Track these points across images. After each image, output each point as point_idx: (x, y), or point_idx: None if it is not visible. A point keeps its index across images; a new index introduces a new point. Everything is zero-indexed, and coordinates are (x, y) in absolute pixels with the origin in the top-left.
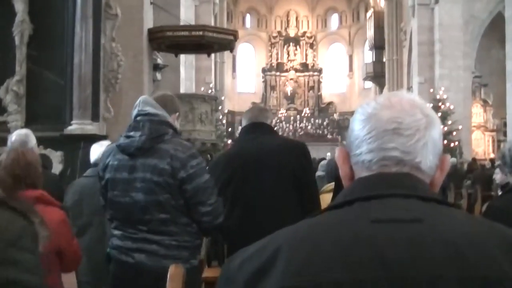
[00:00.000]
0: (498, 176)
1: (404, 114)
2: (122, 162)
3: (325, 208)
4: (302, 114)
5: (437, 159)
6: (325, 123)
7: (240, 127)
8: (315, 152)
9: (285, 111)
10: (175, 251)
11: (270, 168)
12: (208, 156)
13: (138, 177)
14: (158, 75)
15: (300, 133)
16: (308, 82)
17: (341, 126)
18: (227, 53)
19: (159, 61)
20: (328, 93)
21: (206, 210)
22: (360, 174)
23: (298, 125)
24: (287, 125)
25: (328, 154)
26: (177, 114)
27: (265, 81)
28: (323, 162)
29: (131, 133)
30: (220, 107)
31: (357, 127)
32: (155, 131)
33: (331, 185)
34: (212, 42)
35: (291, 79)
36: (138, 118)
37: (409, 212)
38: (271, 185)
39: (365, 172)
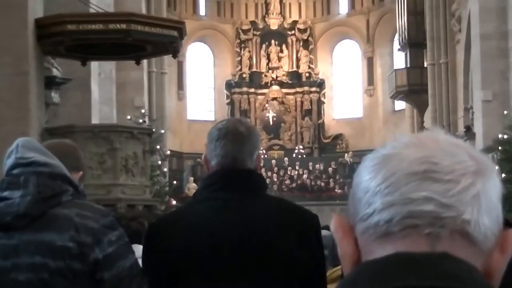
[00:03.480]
0: None
1: (442, 154)
2: None
3: None
4: (293, 155)
5: (496, 229)
6: (330, 169)
7: (194, 180)
8: None
9: (263, 150)
10: None
11: (258, 262)
12: (139, 225)
13: (21, 264)
14: (55, 96)
15: (290, 186)
16: (302, 103)
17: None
18: (169, 60)
19: (56, 73)
20: (334, 120)
21: None
22: (370, 251)
23: (286, 173)
24: (268, 173)
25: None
26: (81, 173)
27: (231, 103)
28: (325, 233)
29: (5, 193)
30: (158, 147)
31: (366, 176)
32: (46, 188)
33: (338, 269)
34: (143, 40)
35: (274, 98)
36: (16, 170)
37: None
38: None
39: (378, 246)
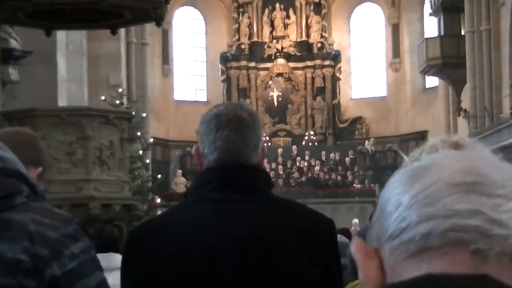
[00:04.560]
0: None
1: (489, 167)
2: None
3: None
4: (303, 143)
5: None
6: (347, 159)
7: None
8: (328, 216)
9: (267, 137)
10: None
11: (264, 279)
12: (116, 229)
13: None
14: (13, 73)
15: (299, 180)
16: (314, 80)
17: (379, 165)
18: (151, 28)
19: (15, 44)
20: (352, 100)
21: None
22: (399, 273)
23: (294, 164)
24: (272, 164)
25: (355, 220)
26: (41, 168)
27: (227, 80)
28: (343, 240)
29: None
30: (139, 134)
31: (398, 189)
32: None
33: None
34: (120, 5)
35: (279, 74)
36: None
37: None
38: None
39: (410, 265)
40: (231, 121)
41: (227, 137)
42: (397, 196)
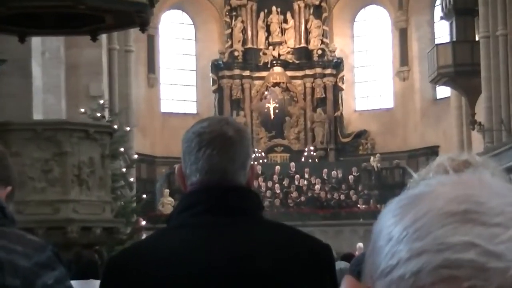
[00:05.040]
0: None
1: (488, 193)
2: None
3: None
4: (302, 159)
5: None
6: (350, 177)
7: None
8: (331, 240)
9: (262, 152)
10: None
11: None
12: (96, 254)
13: None
14: None
15: (298, 200)
16: (314, 90)
17: (386, 183)
18: (136, 34)
19: None
20: (356, 112)
21: None
22: None
23: (292, 183)
24: (269, 183)
25: (360, 244)
26: (10, 188)
27: (219, 90)
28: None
29: None
30: (122, 150)
31: (390, 221)
32: None
33: None
34: (101, 9)
35: (275, 84)
36: None
37: None
38: None
39: None
40: (215, 139)
41: (209, 157)
42: (388, 229)
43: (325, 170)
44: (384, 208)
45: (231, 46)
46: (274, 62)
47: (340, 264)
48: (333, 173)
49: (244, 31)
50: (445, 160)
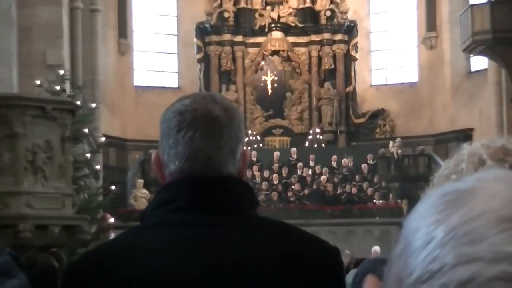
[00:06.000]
0: None
1: None
2: None
3: None
4: (306, 144)
5: None
6: (365, 165)
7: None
8: (341, 243)
9: (258, 136)
10: None
11: None
12: (53, 258)
13: None
14: None
15: (301, 194)
16: (321, 59)
17: (408, 174)
18: None
19: None
20: (373, 88)
21: None
22: None
23: (294, 172)
24: (265, 173)
25: (376, 248)
26: None
27: (205, 59)
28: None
29: None
30: (87, 131)
31: (430, 218)
32: None
33: None
34: None
35: (274, 52)
36: None
37: None
38: None
39: None
40: (198, 120)
41: (191, 140)
42: (428, 228)
43: (334, 157)
44: (421, 201)
45: (220, 5)
46: (273, 25)
47: (353, 273)
48: (344, 161)
49: None
50: (478, 148)
